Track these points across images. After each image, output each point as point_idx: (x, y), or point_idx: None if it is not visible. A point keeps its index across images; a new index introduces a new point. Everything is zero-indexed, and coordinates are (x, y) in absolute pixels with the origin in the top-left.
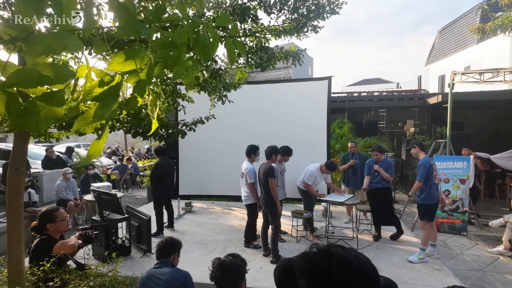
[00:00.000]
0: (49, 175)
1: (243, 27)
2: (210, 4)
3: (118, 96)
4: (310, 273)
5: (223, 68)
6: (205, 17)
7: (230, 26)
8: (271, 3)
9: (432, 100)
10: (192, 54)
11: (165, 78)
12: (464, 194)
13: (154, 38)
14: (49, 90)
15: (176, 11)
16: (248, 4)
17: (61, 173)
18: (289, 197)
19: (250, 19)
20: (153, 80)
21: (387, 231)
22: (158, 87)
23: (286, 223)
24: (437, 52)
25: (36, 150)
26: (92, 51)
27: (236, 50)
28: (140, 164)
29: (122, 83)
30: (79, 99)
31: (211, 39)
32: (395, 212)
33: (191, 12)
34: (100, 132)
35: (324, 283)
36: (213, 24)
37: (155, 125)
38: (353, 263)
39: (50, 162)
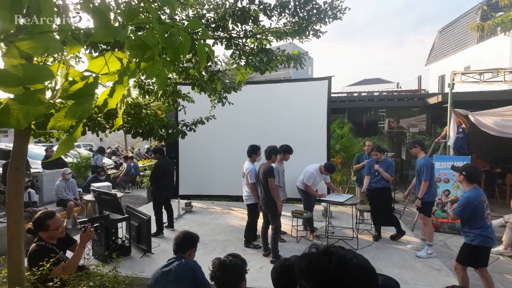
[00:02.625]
0: (49, 175)
1: (243, 28)
2: (211, 6)
3: (92, 95)
4: (309, 273)
5: (222, 70)
6: (205, 19)
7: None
8: (272, 6)
9: (432, 100)
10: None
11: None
12: None
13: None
14: (29, 90)
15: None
16: (248, 6)
17: (61, 173)
18: (289, 197)
19: (250, 21)
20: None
21: (387, 231)
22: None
23: (286, 223)
24: (437, 52)
25: (36, 150)
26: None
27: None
28: (140, 164)
29: (97, 83)
30: (56, 97)
31: (182, 42)
32: (395, 212)
33: (191, 13)
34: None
35: (323, 282)
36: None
37: (118, 122)
38: (352, 261)
39: (50, 162)
